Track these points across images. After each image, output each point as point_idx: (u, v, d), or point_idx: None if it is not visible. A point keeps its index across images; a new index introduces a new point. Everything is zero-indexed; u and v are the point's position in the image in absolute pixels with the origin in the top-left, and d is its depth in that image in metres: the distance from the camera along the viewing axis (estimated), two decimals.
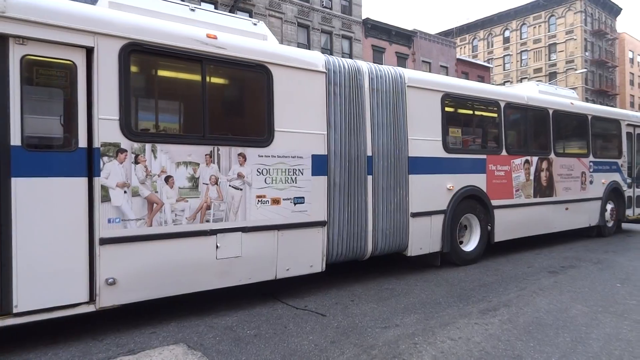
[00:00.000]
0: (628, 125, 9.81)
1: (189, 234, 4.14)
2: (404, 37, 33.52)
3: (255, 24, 4.97)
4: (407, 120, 5.67)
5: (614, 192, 9.30)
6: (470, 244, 6.56)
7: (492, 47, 55.77)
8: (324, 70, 5.02)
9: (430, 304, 4.70)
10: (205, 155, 4.23)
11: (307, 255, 4.87)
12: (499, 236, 6.82)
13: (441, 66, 36.25)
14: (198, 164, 4.19)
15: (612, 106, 41.07)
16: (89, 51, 3.71)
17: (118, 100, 3.79)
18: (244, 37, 4.65)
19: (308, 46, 27.16)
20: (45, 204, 3.51)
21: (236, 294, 4.85)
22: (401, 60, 32.89)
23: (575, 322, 4.16)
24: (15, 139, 3.41)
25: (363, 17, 31.21)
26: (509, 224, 6.97)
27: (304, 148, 4.83)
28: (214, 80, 4.44)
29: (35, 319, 3.49)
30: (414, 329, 3.95)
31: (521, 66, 53.81)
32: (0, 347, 3.55)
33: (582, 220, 8.61)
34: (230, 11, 24.95)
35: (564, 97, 8.63)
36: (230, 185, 4.37)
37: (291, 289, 5.17)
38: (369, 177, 5.31)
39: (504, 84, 52.13)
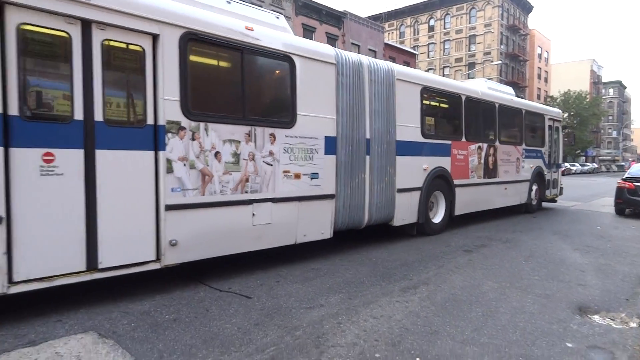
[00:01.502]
0: (549, 119, 12.25)
1: (232, 203, 5.04)
2: (334, 17, 35.03)
3: (277, 18, 5.88)
4: (396, 108, 6.99)
5: (538, 176, 11.68)
6: (437, 217, 8.16)
7: (418, 34, 59.92)
8: (335, 62, 6.10)
9: (355, 283, 5.01)
10: (245, 134, 5.13)
11: (319, 223, 5.99)
12: (458, 210, 8.52)
13: (370, 50, 38.47)
14: (239, 142, 5.08)
15: (522, 97, 47.08)
16: (154, 38, 4.42)
17: (179, 82, 4.54)
18: (272, 30, 5.56)
19: None
20: (122, 174, 4.21)
21: (154, 278, 4.88)
22: (331, 41, 34.37)
23: (486, 297, 4.60)
24: (98, 115, 4.07)
25: None
26: (466, 200, 8.71)
27: (319, 130, 5.91)
28: (251, 67, 5.29)
29: (114, 274, 4.20)
30: (337, 309, 4.16)
31: (444, 55, 58.68)
32: None
33: (516, 199, 10.79)
34: None
35: (505, 93, 10.65)
36: (263, 161, 5.31)
37: (215, 270, 5.35)
38: (367, 157, 6.55)
39: (428, 71, 56.58)
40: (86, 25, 3.98)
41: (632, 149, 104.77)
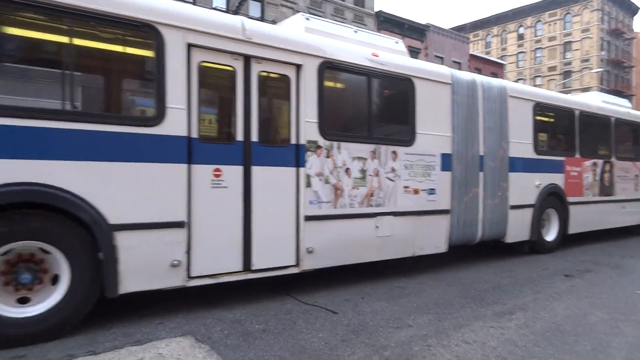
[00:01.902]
0: None
1: (359, 216, 5.53)
2: (417, 30, 35.18)
3: (397, 42, 6.39)
4: (508, 125, 7.15)
5: None
6: (550, 235, 8.07)
7: (505, 43, 57.91)
8: (450, 82, 6.45)
9: (443, 304, 4.86)
10: (371, 152, 5.62)
11: (435, 237, 6.29)
12: (572, 229, 8.34)
13: (454, 62, 37.93)
14: (366, 159, 5.58)
15: None
16: (298, 68, 5.08)
17: (317, 106, 5.16)
18: (394, 54, 6.06)
19: None
20: (270, 188, 4.87)
21: (243, 287, 5.15)
22: (413, 55, 34.17)
23: (595, 329, 4.20)
24: (254, 136, 4.77)
25: (376, 10, 32.80)
26: (580, 219, 8.50)
27: (436, 148, 6.26)
28: (376, 90, 5.82)
29: (263, 276, 4.85)
30: (427, 330, 4.04)
31: (535, 64, 56.06)
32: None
33: (635, 218, 10.21)
34: (240, 3, 26.50)
35: (621, 106, 10.22)
36: (386, 177, 5.76)
37: (299, 283, 5.49)
38: (481, 174, 6.77)
39: (517, 81, 54.33)
40: (247, 60, 4.73)
41: None
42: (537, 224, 7.62)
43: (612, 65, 53.38)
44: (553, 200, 7.95)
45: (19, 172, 3.51)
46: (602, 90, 48.75)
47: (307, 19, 5.57)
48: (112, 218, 3.88)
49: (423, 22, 35.80)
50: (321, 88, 5.20)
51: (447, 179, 6.37)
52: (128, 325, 4.01)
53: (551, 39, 54.53)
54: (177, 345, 3.55)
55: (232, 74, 4.66)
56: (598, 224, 9.14)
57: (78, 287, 3.77)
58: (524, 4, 55.77)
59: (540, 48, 55.51)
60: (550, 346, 3.79)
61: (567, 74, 52.57)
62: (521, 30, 56.81)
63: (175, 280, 4.26)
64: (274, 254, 4.90)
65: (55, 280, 3.77)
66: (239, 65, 4.69)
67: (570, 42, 53.46)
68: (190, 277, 4.36)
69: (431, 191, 6.20)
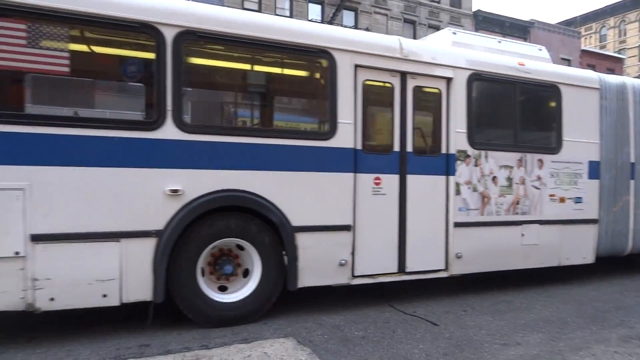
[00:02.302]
0: None
1: (505, 223, 5.60)
2: (519, 28, 33.36)
3: (540, 50, 6.36)
4: None
5: None
6: None
7: (624, 35, 52.40)
8: (598, 87, 6.25)
9: (556, 322, 4.56)
10: (517, 160, 5.67)
11: (582, 247, 6.12)
12: None
13: (562, 59, 35.26)
14: (512, 167, 5.64)
15: None
16: (448, 81, 5.32)
17: (466, 117, 5.36)
18: (538, 61, 6.05)
19: None
20: (423, 195, 5.15)
21: (341, 293, 5.24)
22: None
23: None
24: (409, 147, 5.10)
25: (473, 10, 31.65)
26: None
27: (583, 155, 6.10)
28: (522, 99, 5.86)
29: (416, 278, 5.15)
30: (538, 350, 3.77)
31: None
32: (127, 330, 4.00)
33: None
34: (336, 10, 27.23)
35: None
36: (532, 185, 5.77)
37: (397, 292, 5.44)
38: (631, 182, 6.44)
39: (639, 76, 48.86)
40: (403, 76, 5.08)
41: None
42: None
43: None
44: None
45: (226, 181, 4.19)
46: None
47: (454, 33, 5.79)
48: (294, 220, 4.44)
49: (526, 18, 33.93)
50: (470, 99, 5.39)
51: (594, 187, 6.18)
52: (236, 324, 4.27)
53: None
54: (281, 346, 3.68)
55: (390, 90, 5.04)
56: None
57: (267, 279, 4.38)
58: None
59: None
60: None
61: None
62: None
63: (341, 278, 4.72)
64: (425, 257, 5.19)
65: (246, 273, 4.42)
66: (396, 82, 5.06)
67: None
68: (353, 276, 4.80)
69: (578, 200, 6.06)
